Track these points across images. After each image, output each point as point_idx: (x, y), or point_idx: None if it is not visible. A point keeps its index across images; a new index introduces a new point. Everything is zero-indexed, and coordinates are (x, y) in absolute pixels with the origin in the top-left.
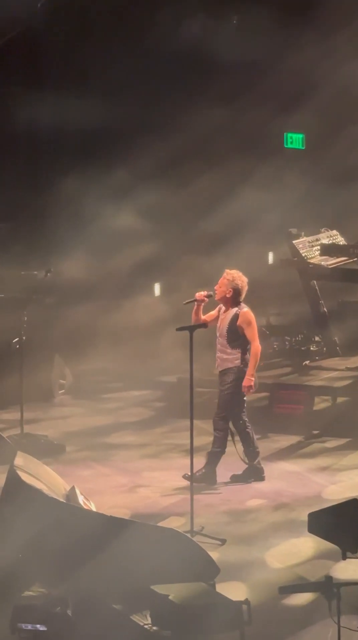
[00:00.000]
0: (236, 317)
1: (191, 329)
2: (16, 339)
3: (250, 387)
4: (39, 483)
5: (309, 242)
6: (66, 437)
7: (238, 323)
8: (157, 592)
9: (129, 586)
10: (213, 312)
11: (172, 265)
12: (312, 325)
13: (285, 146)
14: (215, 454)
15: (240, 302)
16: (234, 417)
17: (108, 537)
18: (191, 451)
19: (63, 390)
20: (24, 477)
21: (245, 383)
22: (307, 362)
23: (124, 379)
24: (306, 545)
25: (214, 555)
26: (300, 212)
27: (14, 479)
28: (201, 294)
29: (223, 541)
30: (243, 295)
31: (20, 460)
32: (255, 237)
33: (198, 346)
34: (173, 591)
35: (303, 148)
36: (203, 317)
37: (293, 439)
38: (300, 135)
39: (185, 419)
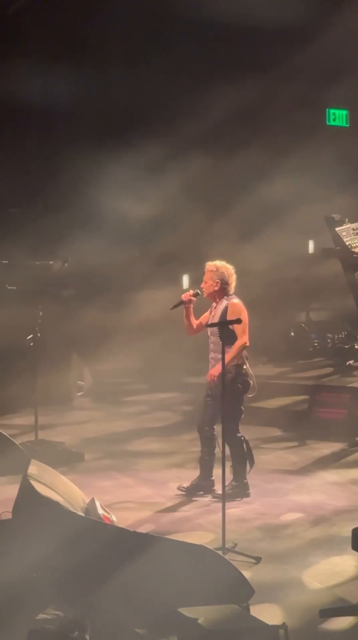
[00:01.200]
0: (225, 310)
1: (224, 325)
2: (30, 336)
3: (213, 375)
4: (55, 495)
5: (353, 229)
6: (84, 444)
7: (227, 317)
8: (185, 616)
9: (153, 609)
10: (206, 314)
11: (202, 255)
12: (357, 321)
13: (328, 123)
14: (239, 466)
15: (230, 293)
16: (229, 424)
17: (131, 555)
18: (223, 459)
19: (81, 393)
20: (39, 488)
21: (213, 371)
22: (351, 361)
23: (149, 380)
24: (349, 563)
25: (247, 574)
26: (343, 196)
27: (27, 490)
28: (187, 294)
29: (258, 559)
30: (232, 285)
31: (34, 469)
32: (294, 223)
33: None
34: (203, 614)
35: (347, 125)
36: (195, 321)
37: (334, 447)
38: (344, 112)
39: (216, 424)
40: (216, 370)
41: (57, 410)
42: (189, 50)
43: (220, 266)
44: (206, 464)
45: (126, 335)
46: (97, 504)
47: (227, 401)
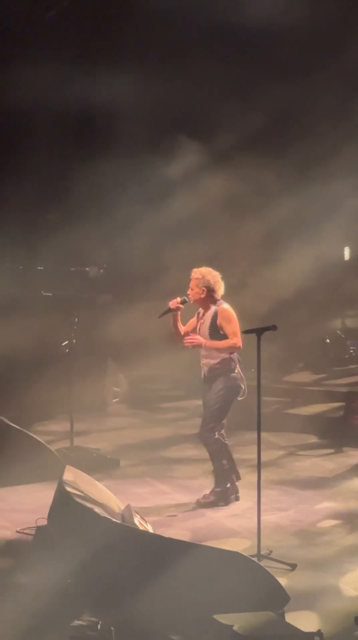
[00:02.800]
0: (215, 316)
1: (259, 331)
2: (66, 342)
3: (193, 341)
4: (90, 501)
5: None
6: (120, 451)
7: (218, 322)
8: (220, 622)
9: (189, 615)
10: (193, 319)
11: (236, 261)
12: None
13: None
14: (220, 470)
15: (217, 299)
16: (209, 423)
17: (166, 561)
18: (259, 466)
19: (117, 399)
20: (74, 494)
21: (194, 337)
22: None
23: (185, 386)
24: None
25: (283, 581)
26: None
27: (63, 497)
28: (174, 302)
29: (293, 566)
30: (219, 292)
31: (69, 475)
32: (329, 228)
33: (267, 350)
34: (238, 621)
35: None
36: (182, 327)
37: None
38: None
39: (252, 431)
40: (198, 340)
41: (92, 416)
42: (228, 56)
43: (206, 273)
44: (220, 472)
45: (163, 341)
46: (133, 510)
47: (213, 401)
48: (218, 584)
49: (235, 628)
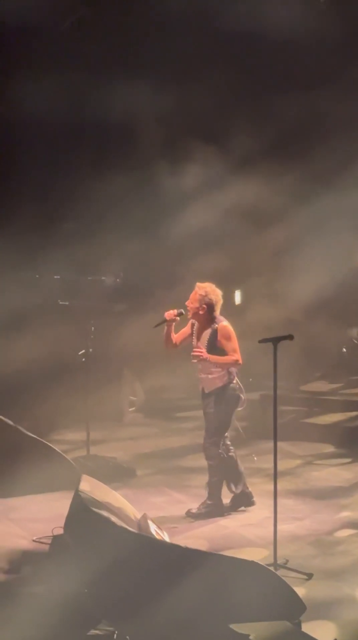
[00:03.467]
0: (214, 333)
1: (275, 340)
2: (82, 351)
3: (200, 352)
4: (106, 510)
5: None
6: (136, 460)
7: (217, 339)
8: (237, 632)
9: (205, 625)
10: (186, 329)
11: (254, 269)
12: None
13: None
14: (215, 485)
15: (216, 316)
16: (211, 437)
17: (183, 571)
18: (275, 476)
19: (134, 408)
20: (90, 503)
21: (201, 350)
22: None
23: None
24: None
25: (299, 591)
26: None
27: (79, 506)
28: (170, 313)
29: (310, 576)
30: (218, 310)
31: (86, 485)
32: (345, 237)
33: (283, 360)
34: (255, 630)
35: None
36: (175, 337)
37: None
38: None
39: (268, 440)
40: (204, 353)
41: (109, 425)
42: (245, 66)
43: (210, 291)
44: (236, 477)
45: (179, 350)
46: (149, 520)
47: (214, 415)
48: (234, 594)
49: (251, 638)
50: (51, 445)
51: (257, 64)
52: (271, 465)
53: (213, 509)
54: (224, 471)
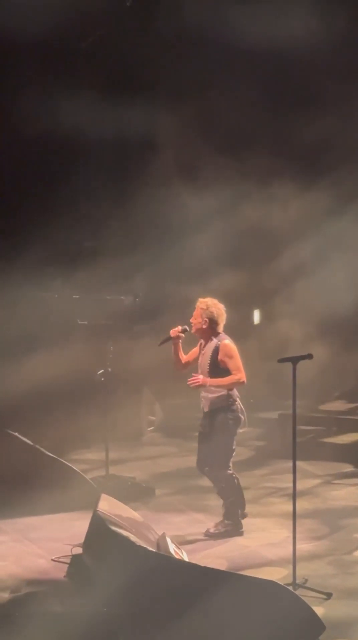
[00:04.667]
0: (216, 350)
1: (295, 360)
2: (101, 371)
3: (197, 381)
4: (125, 530)
5: None
6: (155, 479)
7: (219, 358)
8: None
9: None
10: (195, 349)
11: (273, 289)
12: None
13: None
14: (233, 504)
15: (219, 332)
16: (219, 461)
17: (202, 590)
18: (294, 495)
19: (152, 428)
20: (109, 523)
21: (201, 379)
22: None
23: None
24: None
25: (318, 610)
26: None
27: (98, 525)
28: (175, 330)
29: (329, 595)
30: (221, 325)
31: (105, 504)
32: None
33: (302, 379)
34: None
35: None
36: (184, 356)
37: None
38: None
39: (287, 459)
40: (200, 380)
41: (128, 445)
42: (267, 84)
43: (211, 304)
44: (231, 507)
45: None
46: (168, 539)
47: (218, 437)
48: (253, 613)
49: None
50: (70, 465)
51: (279, 81)
52: (290, 484)
53: (231, 529)
54: (237, 491)
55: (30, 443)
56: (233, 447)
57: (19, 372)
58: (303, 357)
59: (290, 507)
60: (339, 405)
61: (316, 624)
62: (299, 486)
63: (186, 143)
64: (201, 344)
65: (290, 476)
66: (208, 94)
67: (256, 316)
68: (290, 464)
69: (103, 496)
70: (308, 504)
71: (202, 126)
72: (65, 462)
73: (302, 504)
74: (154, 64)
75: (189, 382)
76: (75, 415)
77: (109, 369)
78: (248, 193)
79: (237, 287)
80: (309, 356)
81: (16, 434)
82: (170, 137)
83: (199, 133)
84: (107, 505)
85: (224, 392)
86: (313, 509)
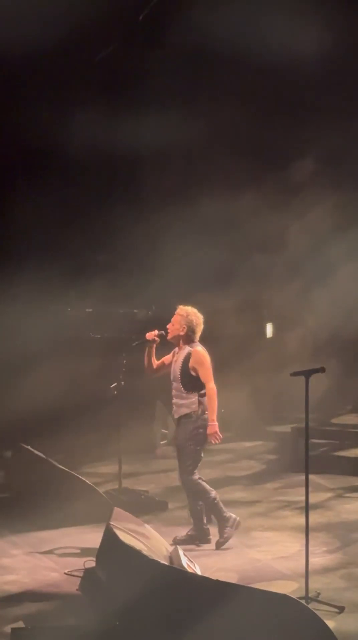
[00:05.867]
0: (188, 357)
1: (307, 374)
2: (114, 384)
3: (215, 433)
4: (138, 543)
5: None
6: (168, 493)
7: (190, 364)
8: None
9: None
10: (168, 356)
11: (286, 302)
12: None
13: None
14: (198, 512)
15: (194, 340)
16: (186, 469)
17: (214, 603)
18: (307, 509)
19: (165, 441)
20: (122, 536)
21: (209, 430)
22: None
23: (234, 428)
24: None
25: (331, 624)
26: None
27: (110, 539)
28: (151, 334)
29: (342, 609)
30: (198, 334)
31: (117, 517)
32: None
33: (315, 392)
34: None
35: None
36: (156, 361)
37: None
38: None
39: (300, 473)
40: (212, 428)
41: (141, 458)
42: (274, 95)
43: (191, 313)
44: (196, 513)
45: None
46: (181, 552)
47: (187, 444)
48: (266, 627)
49: None
50: (83, 478)
51: (291, 94)
52: (303, 498)
53: (199, 534)
54: (203, 495)
55: (44, 456)
56: (201, 455)
57: (32, 386)
58: (315, 371)
59: (302, 521)
60: (352, 419)
61: (328, 638)
62: (312, 499)
63: (197, 155)
64: (174, 352)
65: (303, 489)
66: (219, 106)
67: (269, 329)
68: (303, 477)
69: (116, 509)
70: (320, 518)
71: (211, 138)
72: (78, 475)
73: (314, 518)
74: (165, 77)
75: (216, 441)
76: (88, 428)
77: (122, 383)
78: (257, 203)
79: (250, 300)
80: (322, 369)
81: (29, 447)
82: (180, 150)
83: (208, 145)
84: (120, 518)
85: (195, 399)
86: (326, 522)
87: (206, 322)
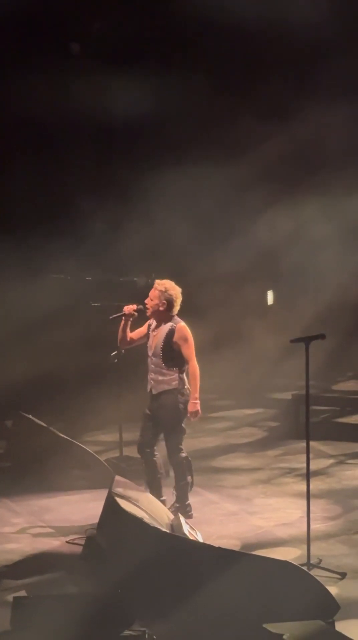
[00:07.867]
0: (171, 332)
1: (308, 340)
2: (114, 353)
3: (196, 412)
4: (139, 511)
5: None
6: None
7: (174, 339)
8: (270, 632)
9: (238, 625)
10: (142, 329)
11: (286, 269)
12: None
13: None
14: (184, 487)
15: (173, 315)
16: (173, 445)
17: (216, 571)
18: (308, 475)
19: None
20: (123, 504)
21: (191, 408)
22: None
23: (235, 396)
24: None
25: (333, 590)
26: None
27: (112, 507)
28: (129, 308)
29: (343, 575)
30: (177, 308)
31: (119, 486)
32: None
33: (315, 360)
34: (288, 630)
35: None
36: (130, 334)
37: None
38: None
39: (301, 440)
40: (193, 406)
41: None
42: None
43: (169, 287)
44: (153, 486)
45: (211, 350)
46: (182, 520)
47: (170, 421)
48: (267, 593)
49: (285, 637)
50: (84, 446)
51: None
52: (304, 465)
53: (182, 509)
54: (190, 473)
55: (44, 425)
56: (183, 429)
57: (32, 354)
58: (315, 337)
59: (303, 487)
60: (353, 385)
61: (330, 604)
62: (313, 466)
63: (198, 123)
64: (149, 325)
65: (304, 456)
66: (221, 75)
67: (270, 297)
68: (304, 444)
69: (117, 478)
70: (322, 484)
71: (214, 106)
72: (79, 443)
73: (316, 484)
74: (162, 45)
75: (195, 419)
76: (88, 397)
77: (122, 351)
78: (257, 175)
79: (251, 268)
80: (322, 336)
81: (30, 416)
82: (182, 117)
83: (211, 113)
84: (121, 487)
85: (175, 375)
86: (327, 489)
87: (203, 288)
